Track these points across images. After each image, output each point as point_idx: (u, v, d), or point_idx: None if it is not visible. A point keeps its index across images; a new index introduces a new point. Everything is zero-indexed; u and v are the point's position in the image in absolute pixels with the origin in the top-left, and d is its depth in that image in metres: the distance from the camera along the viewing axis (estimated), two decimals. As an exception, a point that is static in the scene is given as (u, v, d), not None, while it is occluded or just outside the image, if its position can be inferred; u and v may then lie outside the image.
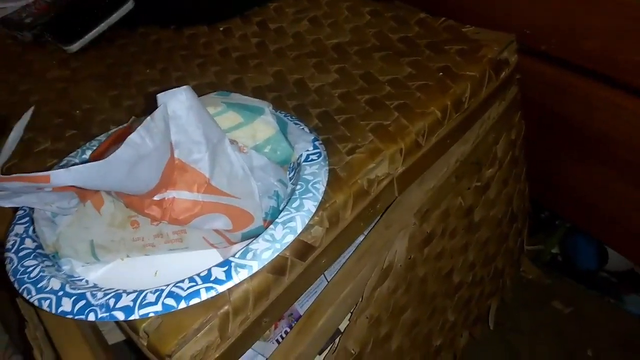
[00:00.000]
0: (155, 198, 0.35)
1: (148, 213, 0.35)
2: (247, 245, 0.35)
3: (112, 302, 0.33)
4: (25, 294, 0.34)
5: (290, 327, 0.48)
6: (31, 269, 0.35)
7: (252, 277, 0.34)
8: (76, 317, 0.33)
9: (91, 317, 0.32)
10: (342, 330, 0.48)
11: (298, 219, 0.36)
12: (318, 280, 0.44)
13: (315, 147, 0.42)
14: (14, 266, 0.36)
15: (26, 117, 0.35)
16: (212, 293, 0.33)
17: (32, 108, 0.35)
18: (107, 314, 0.32)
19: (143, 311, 0.32)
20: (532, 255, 0.92)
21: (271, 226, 0.36)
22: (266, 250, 0.34)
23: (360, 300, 0.46)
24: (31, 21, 0.72)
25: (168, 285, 0.33)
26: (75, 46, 0.66)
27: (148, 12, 0.69)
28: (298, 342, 0.42)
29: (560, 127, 0.68)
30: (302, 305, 0.51)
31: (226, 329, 0.34)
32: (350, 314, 0.47)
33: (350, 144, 0.44)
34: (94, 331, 0.45)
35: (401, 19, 0.59)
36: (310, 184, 0.38)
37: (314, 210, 0.37)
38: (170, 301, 0.32)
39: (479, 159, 0.55)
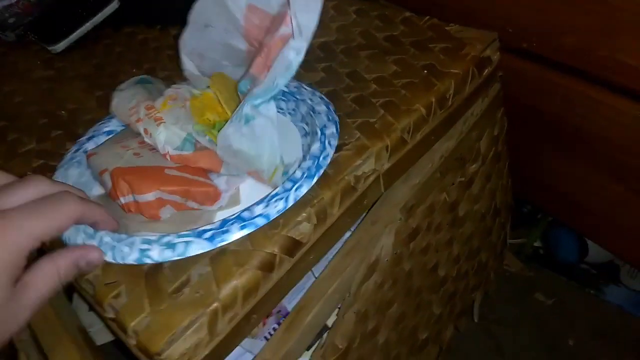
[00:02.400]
0: None
1: None
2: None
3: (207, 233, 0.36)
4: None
5: (279, 324, 0.49)
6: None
7: (240, 274, 0.35)
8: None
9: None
10: (329, 326, 0.49)
11: None
12: (306, 276, 0.45)
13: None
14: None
15: None
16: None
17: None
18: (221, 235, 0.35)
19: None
20: (515, 248, 0.94)
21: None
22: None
23: (348, 295, 0.47)
24: (14, 21, 0.71)
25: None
26: (60, 46, 0.65)
27: (134, 11, 0.68)
28: (286, 338, 0.43)
29: (542, 123, 0.69)
30: (290, 302, 0.51)
31: (215, 326, 0.35)
32: (337, 310, 0.48)
33: (337, 141, 0.45)
34: (80, 332, 0.45)
35: (386, 18, 0.60)
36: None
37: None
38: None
39: (463, 155, 0.56)
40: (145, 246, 0.35)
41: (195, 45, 0.48)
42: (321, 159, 0.40)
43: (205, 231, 0.36)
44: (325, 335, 0.48)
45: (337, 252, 0.47)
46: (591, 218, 0.73)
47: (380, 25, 0.59)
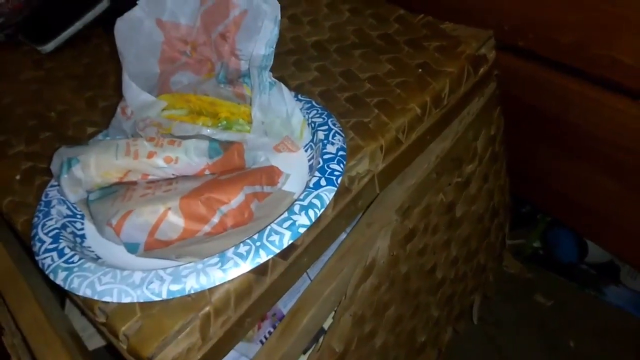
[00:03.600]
0: None
1: None
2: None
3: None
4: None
5: (274, 327, 0.48)
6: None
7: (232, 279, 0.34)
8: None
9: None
10: (326, 329, 0.48)
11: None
12: (301, 279, 0.44)
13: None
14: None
15: None
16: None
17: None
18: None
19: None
20: (514, 249, 0.93)
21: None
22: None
23: (344, 298, 0.46)
24: (3, 21, 0.70)
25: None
26: (50, 46, 0.65)
27: (124, 11, 0.67)
28: (282, 342, 0.42)
29: (539, 123, 0.68)
30: (285, 305, 0.50)
31: (207, 330, 0.34)
32: (334, 312, 0.47)
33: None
34: (73, 337, 0.44)
35: (380, 16, 0.59)
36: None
37: None
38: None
39: (459, 155, 0.56)
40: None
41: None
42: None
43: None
44: (321, 338, 0.47)
45: (332, 255, 0.46)
46: (590, 218, 0.72)
47: (374, 24, 0.58)
